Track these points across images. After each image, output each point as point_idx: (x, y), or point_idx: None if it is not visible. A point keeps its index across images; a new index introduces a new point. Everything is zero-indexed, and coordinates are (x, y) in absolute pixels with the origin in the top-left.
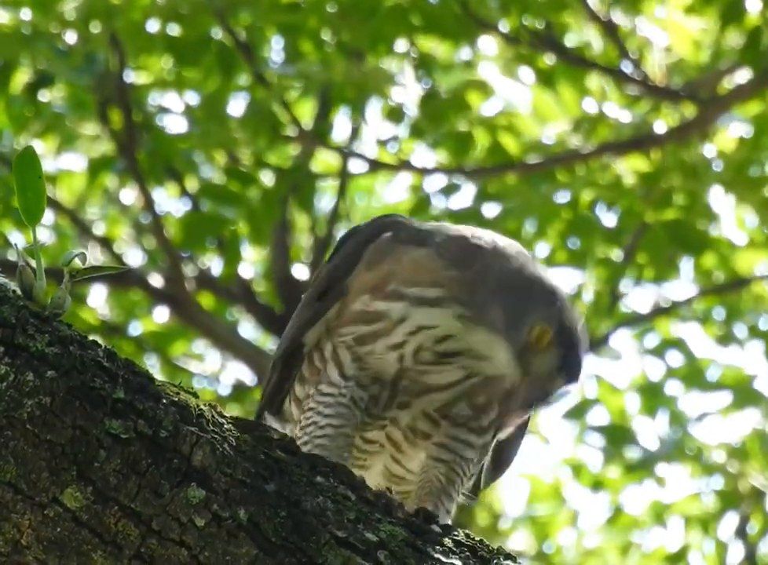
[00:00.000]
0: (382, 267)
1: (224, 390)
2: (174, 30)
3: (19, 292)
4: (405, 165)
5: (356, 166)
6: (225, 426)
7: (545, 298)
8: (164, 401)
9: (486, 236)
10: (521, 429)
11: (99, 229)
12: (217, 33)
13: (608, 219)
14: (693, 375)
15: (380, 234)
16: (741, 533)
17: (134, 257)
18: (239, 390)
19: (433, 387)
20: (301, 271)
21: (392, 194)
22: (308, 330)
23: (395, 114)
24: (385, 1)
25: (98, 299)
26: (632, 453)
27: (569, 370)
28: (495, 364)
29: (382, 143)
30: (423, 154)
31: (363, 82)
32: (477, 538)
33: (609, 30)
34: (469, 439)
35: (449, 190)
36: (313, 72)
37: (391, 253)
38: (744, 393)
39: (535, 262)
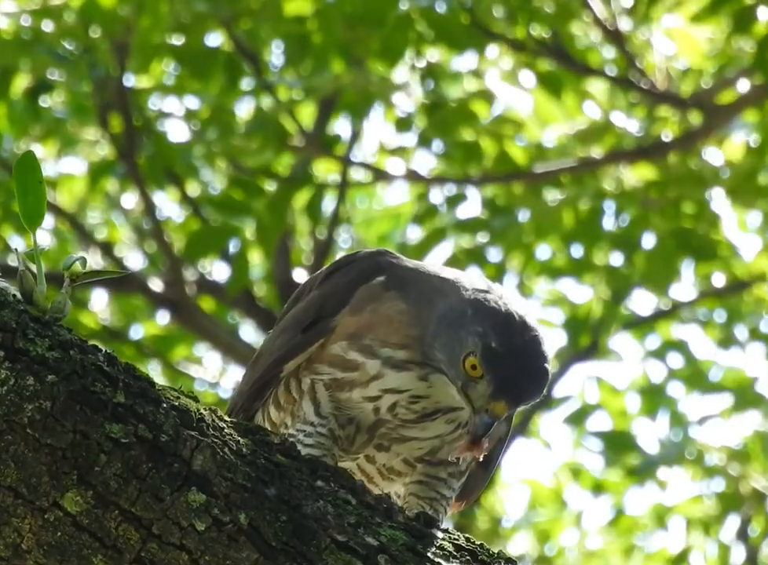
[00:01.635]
0: (363, 315)
1: (226, 394)
2: (179, 39)
3: (19, 296)
4: (411, 174)
5: (360, 175)
6: (226, 430)
7: (473, 326)
8: (164, 405)
9: (449, 275)
10: (488, 465)
11: (100, 233)
12: (218, 40)
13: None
14: (694, 377)
15: (374, 274)
16: (743, 535)
17: (135, 262)
18: None
19: (414, 438)
20: (301, 275)
21: (393, 197)
22: (291, 359)
23: (402, 123)
24: (394, 11)
25: (99, 304)
26: (633, 459)
27: (506, 393)
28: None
29: (389, 152)
30: (429, 163)
31: (368, 91)
32: (478, 542)
33: (616, 38)
34: (447, 479)
35: (456, 199)
36: (318, 82)
37: (374, 300)
38: (745, 395)
39: (491, 290)
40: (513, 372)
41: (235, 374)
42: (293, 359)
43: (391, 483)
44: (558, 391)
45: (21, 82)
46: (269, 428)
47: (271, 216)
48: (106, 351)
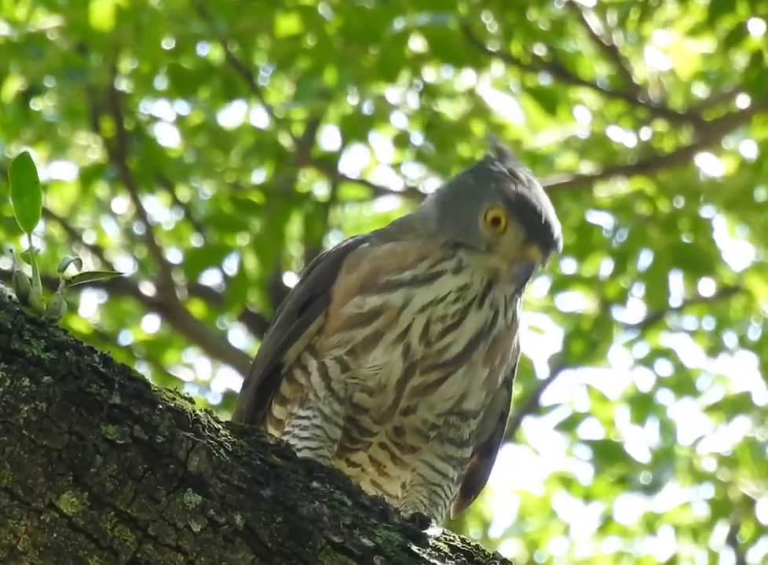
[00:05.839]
0: (363, 267)
1: (215, 398)
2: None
3: (15, 297)
4: (410, 191)
5: (355, 189)
6: (221, 431)
7: (483, 186)
8: (160, 406)
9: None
10: (491, 451)
11: (90, 237)
12: (213, 54)
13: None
14: (683, 384)
15: (356, 246)
16: (732, 541)
17: (125, 266)
18: (230, 398)
19: (454, 358)
20: (291, 279)
21: (383, 203)
22: (288, 348)
23: (400, 140)
24: (390, 27)
25: (90, 308)
26: (622, 469)
27: (538, 236)
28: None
29: (387, 166)
30: (423, 175)
31: (366, 116)
32: (473, 543)
33: (612, 54)
34: (452, 454)
35: None
36: (315, 104)
37: (367, 254)
38: (734, 402)
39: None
40: (539, 217)
41: (224, 378)
42: (293, 343)
43: (399, 470)
44: (547, 398)
45: (12, 86)
46: (274, 429)
47: (269, 235)
48: (102, 352)
